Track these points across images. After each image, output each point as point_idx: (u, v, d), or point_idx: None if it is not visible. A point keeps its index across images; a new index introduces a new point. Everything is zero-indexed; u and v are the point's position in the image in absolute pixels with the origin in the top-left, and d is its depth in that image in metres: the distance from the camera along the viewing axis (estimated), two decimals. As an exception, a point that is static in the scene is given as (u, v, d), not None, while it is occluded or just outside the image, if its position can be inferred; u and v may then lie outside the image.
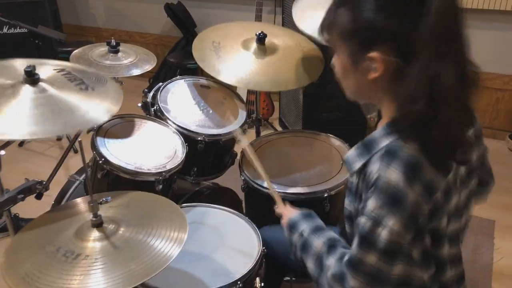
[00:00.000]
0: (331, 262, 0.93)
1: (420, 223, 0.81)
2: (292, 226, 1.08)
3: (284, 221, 1.12)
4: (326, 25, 0.89)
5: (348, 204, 0.95)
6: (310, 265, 0.98)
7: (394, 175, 0.78)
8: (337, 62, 0.92)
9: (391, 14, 0.80)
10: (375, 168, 0.81)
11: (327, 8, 0.90)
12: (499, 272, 1.94)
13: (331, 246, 0.97)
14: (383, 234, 0.80)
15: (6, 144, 1.21)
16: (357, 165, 0.87)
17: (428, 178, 0.80)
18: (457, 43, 0.80)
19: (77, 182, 1.69)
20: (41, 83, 1.09)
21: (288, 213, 1.14)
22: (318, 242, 0.99)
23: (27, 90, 1.07)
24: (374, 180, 0.81)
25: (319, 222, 1.08)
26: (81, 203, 1.10)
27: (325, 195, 1.42)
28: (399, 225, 0.79)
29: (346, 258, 0.88)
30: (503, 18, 2.79)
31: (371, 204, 0.80)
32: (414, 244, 0.82)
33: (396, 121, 0.84)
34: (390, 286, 0.83)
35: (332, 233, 1.02)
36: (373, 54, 0.82)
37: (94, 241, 0.92)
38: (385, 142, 0.84)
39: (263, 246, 1.23)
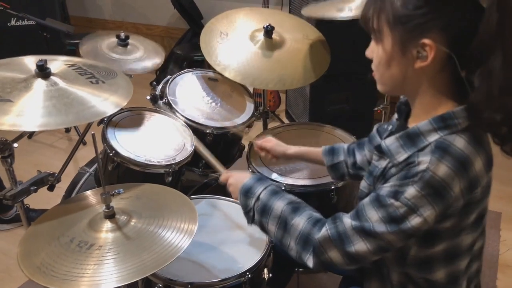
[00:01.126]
0: (299, 222, 0.92)
1: (448, 213, 0.82)
2: (247, 191, 1.03)
3: (236, 187, 1.09)
4: (373, 10, 0.86)
5: (366, 186, 0.94)
6: (272, 227, 0.97)
7: (443, 169, 0.78)
8: (379, 51, 0.88)
9: (445, 2, 0.79)
10: (425, 160, 0.80)
11: None
12: (505, 264, 1.95)
13: (295, 208, 0.96)
14: (414, 221, 0.80)
15: (19, 136, 1.23)
16: (402, 156, 0.85)
17: (475, 174, 0.80)
18: None
19: (87, 174, 1.72)
20: (52, 77, 1.11)
21: (237, 178, 1.10)
22: (279, 204, 0.97)
23: (39, 84, 1.09)
24: (422, 170, 0.79)
25: (274, 184, 1.05)
26: (93, 195, 1.12)
27: (332, 187, 1.43)
28: (433, 217, 0.80)
29: (356, 223, 0.86)
30: None
31: (411, 192, 0.79)
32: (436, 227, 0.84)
33: (448, 117, 0.83)
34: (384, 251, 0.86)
35: (289, 195, 1.01)
36: (426, 41, 0.80)
37: (106, 232, 0.94)
38: (434, 136, 0.82)
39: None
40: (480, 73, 0.78)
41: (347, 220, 0.88)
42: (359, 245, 0.85)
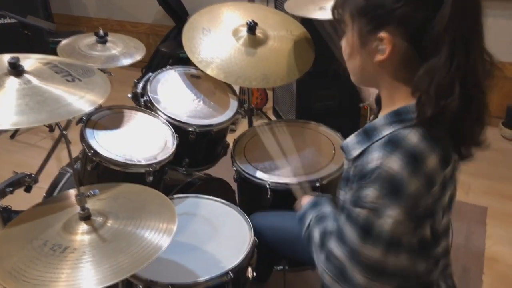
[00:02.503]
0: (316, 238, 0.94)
1: (420, 214, 0.80)
2: (301, 220, 1.06)
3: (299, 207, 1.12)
4: (339, 3, 0.88)
5: (341, 193, 0.92)
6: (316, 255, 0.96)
7: (396, 164, 0.77)
8: (346, 43, 0.90)
9: None
10: (375, 156, 0.79)
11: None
12: (491, 258, 1.96)
13: (322, 234, 0.96)
14: (386, 224, 0.78)
15: (-8, 137, 1.19)
16: (356, 151, 0.85)
17: (429, 170, 0.78)
18: (477, 32, 0.79)
19: (68, 174, 1.68)
20: (25, 75, 1.08)
21: (302, 204, 1.12)
22: (316, 233, 0.98)
23: (12, 82, 1.05)
24: (374, 168, 0.78)
25: (324, 208, 1.05)
26: (70, 196, 1.09)
27: (317, 184, 1.42)
28: (402, 215, 0.77)
29: (342, 251, 0.84)
30: (495, 5, 2.77)
31: (371, 193, 0.78)
32: (415, 233, 0.81)
33: (402, 111, 0.82)
34: (389, 277, 0.82)
35: (329, 222, 0.99)
36: (383, 34, 0.80)
37: (82, 234, 0.92)
38: (388, 130, 0.82)
39: (254, 235, 1.23)
40: (424, 67, 0.78)
41: (338, 253, 0.85)
42: (357, 278, 0.82)
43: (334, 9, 0.90)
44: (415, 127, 0.80)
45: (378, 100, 1.02)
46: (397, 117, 0.83)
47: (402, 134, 0.80)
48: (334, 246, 0.86)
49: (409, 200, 0.77)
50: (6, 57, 1.15)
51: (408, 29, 0.79)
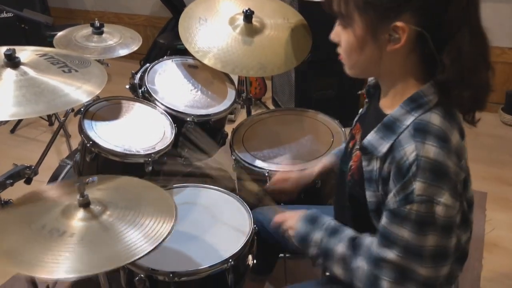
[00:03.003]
0: (362, 263, 0.89)
1: (460, 191, 0.81)
2: (304, 240, 1.00)
3: (291, 234, 1.05)
4: None
5: (371, 195, 0.89)
6: (338, 271, 0.94)
7: (431, 151, 0.77)
8: (349, 36, 0.86)
9: None
10: (409, 149, 0.79)
11: None
12: (491, 243, 1.97)
13: (355, 246, 0.92)
14: (439, 211, 0.77)
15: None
16: (384, 147, 0.84)
17: (456, 146, 0.80)
18: (480, 12, 0.81)
19: (68, 166, 1.69)
20: (22, 67, 1.09)
21: (292, 223, 1.06)
22: (339, 247, 0.93)
23: (8, 74, 1.06)
24: (413, 161, 0.78)
25: (328, 221, 1.00)
26: (68, 185, 1.09)
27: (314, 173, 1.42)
28: (450, 198, 0.78)
29: (389, 250, 0.82)
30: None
31: (419, 187, 0.77)
32: (459, 211, 0.81)
33: (417, 97, 0.82)
34: (450, 258, 0.82)
35: (348, 232, 0.96)
36: (399, 24, 0.78)
37: (80, 221, 0.92)
38: (410, 118, 0.82)
39: (254, 224, 1.24)
40: (450, 51, 0.78)
41: (390, 255, 0.82)
42: (420, 272, 0.80)
43: (333, 3, 0.85)
44: (432, 108, 0.81)
45: (368, 91, 1.02)
46: (414, 103, 0.82)
47: (425, 119, 0.80)
48: (382, 251, 0.83)
49: (452, 181, 0.78)
50: (2, 49, 1.15)
51: (426, 15, 0.78)
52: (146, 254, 0.86)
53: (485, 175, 2.39)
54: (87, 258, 0.83)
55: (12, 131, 2.95)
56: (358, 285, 0.90)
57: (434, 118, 0.80)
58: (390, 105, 0.88)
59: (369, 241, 0.90)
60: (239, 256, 1.15)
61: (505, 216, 2.12)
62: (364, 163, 0.89)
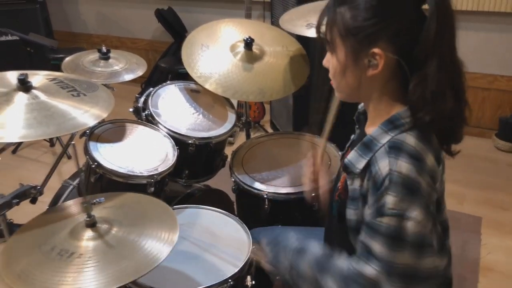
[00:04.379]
0: (332, 279, 0.90)
1: (432, 211, 0.83)
2: (276, 263, 1.05)
3: (267, 264, 1.10)
4: (326, 23, 0.91)
5: (352, 213, 0.93)
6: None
7: (404, 167, 0.81)
8: (333, 61, 0.93)
9: (394, 14, 0.84)
10: (383, 164, 0.83)
11: (325, 6, 0.92)
12: (486, 267, 1.99)
13: (322, 265, 0.94)
14: (409, 227, 0.79)
15: (1, 150, 1.24)
16: (362, 164, 0.89)
17: (430, 168, 0.84)
18: (454, 43, 0.86)
19: (71, 187, 1.72)
20: (33, 91, 1.13)
21: (260, 254, 1.13)
22: (304, 268, 0.97)
23: (20, 97, 1.11)
24: (386, 175, 0.82)
25: (290, 242, 1.04)
26: (75, 205, 1.13)
27: (314, 194, 1.46)
28: (422, 214, 0.80)
29: (368, 265, 0.84)
30: (488, 19, 2.86)
31: (389, 200, 0.80)
32: (433, 233, 0.83)
33: (394, 119, 0.88)
34: (423, 281, 0.83)
35: (313, 250, 0.99)
36: (376, 50, 0.85)
37: (87, 241, 0.95)
38: (385, 138, 0.87)
39: (253, 245, 1.26)
40: (417, 76, 0.84)
41: (368, 269, 0.84)
42: None
43: (319, 30, 0.94)
44: (409, 130, 0.86)
45: (358, 118, 1.08)
46: (391, 124, 0.88)
47: (400, 139, 0.85)
48: (361, 266, 0.85)
49: (424, 198, 0.81)
50: (13, 74, 1.21)
51: (399, 43, 0.85)
52: (150, 271, 0.89)
53: (480, 200, 2.42)
54: (94, 278, 0.86)
55: (14, 151, 2.98)
56: None
57: (409, 139, 0.85)
58: (372, 128, 0.93)
59: (342, 262, 0.92)
60: (239, 277, 1.17)
61: (500, 241, 2.14)
62: (348, 182, 0.94)
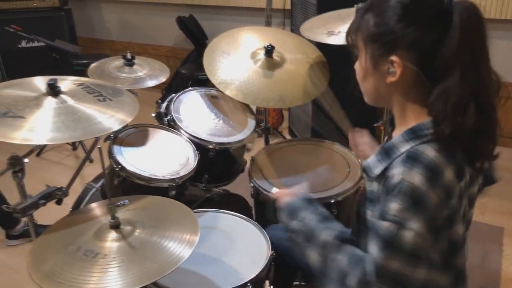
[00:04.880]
0: (342, 260, 0.91)
1: (439, 226, 0.83)
2: (292, 211, 1.04)
3: (282, 203, 1.09)
4: (353, 29, 0.95)
5: (371, 215, 0.94)
6: (314, 255, 0.96)
7: (416, 178, 0.81)
8: (359, 66, 0.97)
9: (414, 24, 0.85)
10: (397, 171, 0.83)
11: (356, 13, 0.96)
12: (508, 278, 1.95)
13: (341, 241, 0.94)
14: (407, 237, 0.80)
15: (30, 152, 1.28)
16: (379, 169, 0.90)
17: (447, 183, 0.82)
18: (484, 53, 0.85)
19: (94, 189, 1.76)
20: (62, 95, 1.17)
21: (285, 194, 1.11)
22: (325, 234, 0.96)
23: (49, 101, 1.15)
24: (397, 183, 0.82)
25: (322, 209, 1.05)
26: (99, 207, 1.16)
27: (332, 201, 1.46)
28: (423, 228, 0.80)
29: (368, 265, 0.85)
30: (508, 27, 2.82)
31: (394, 207, 0.81)
32: (435, 247, 0.83)
33: (417, 129, 0.88)
34: None
35: (337, 225, 1.00)
36: (393, 58, 0.87)
37: (111, 242, 0.98)
38: (405, 147, 0.87)
39: (272, 249, 1.27)
40: (438, 89, 0.84)
41: (367, 265, 0.85)
42: None
43: (348, 35, 0.98)
44: (431, 142, 0.85)
45: (392, 121, 1.08)
46: (413, 134, 0.88)
47: (420, 150, 0.85)
48: (362, 262, 0.87)
49: (429, 213, 0.81)
50: (41, 79, 1.25)
51: (418, 53, 0.86)
52: (169, 272, 0.91)
53: (502, 210, 2.38)
54: (118, 277, 0.89)
55: (38, 154, 3.06)
56: (328, 274, 0.92)
57: (429, 151, 0.84)
58: (398, 133, 0.93)
59: (355, 250, 0.93)
60: (257, 281, 1.18)
61: (522, 251, 2.10)
62: (367, 184, 0.96)
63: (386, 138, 1.15)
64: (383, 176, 0.89)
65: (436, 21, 0.84)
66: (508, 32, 2.83)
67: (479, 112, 0.83)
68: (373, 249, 0.85)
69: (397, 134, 0.94)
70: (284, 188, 1.50)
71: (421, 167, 0.82)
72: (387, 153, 0.90)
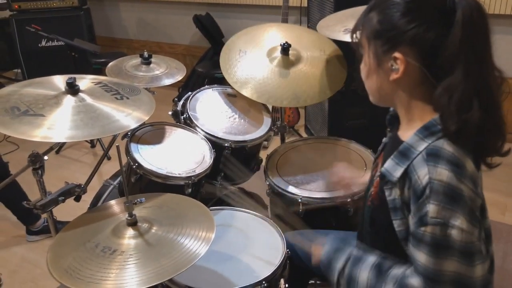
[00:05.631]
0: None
1: (478, 216, 0.82)
2: (328, 267, 1.03)
3: (316, 259, 1.09)
4: (357, 28, 0.96)
5: (399, 224, 0.90)
6: None
7: (444, 174, 0.80)
8: (363, 64, 0.97)
9: (417, 20, 0.84)
10: (422, 172, 0.82)
11: (362, 13, 0.95)
12: (529, 280, 1.91)
13: (379, 271, 0.93)
14: (454, 235, 0.78)
15: (49, 150, 1.31)
16: (399, 172, 0.88)
17: (471, 173, 0.82)
18: (487, 49, 0.84)
19: (111, 186, 1.78)
20: (80, 94, 1.19)
21: (318, 250, 1.11)
22: (363, 274, 0.94)
23: (68, 100, 1.17)
24: (426, 184, 0.81)
25: (351, 250, 1.02)
26: (117, 204, 1.18)
27: (349, 199, 1.45)
28: (466, 222, 0.78)
29: (416, 276, 0.82)
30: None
31: (432, 209, 0.79)
32: (480, 239, 0.82)
33: (430, 125, 0.87)
34: None
35: (371, 258, 0.97)
36: (396, 54, 0.87)
37: (129, 239, 1.00)
38: (422, 145, 0.86)
39: (287, 248, 1.27)
40: (442, 85, 0.83)
41: (413, 281, 0.83)
42: None
43: (352, 34, 0.98)
44: (445, 137, 0.85)
45: (390, 121, 1.07)
46: (427, 131, 0.87)
47: (438, 145, 0.84)
48: (408, 278, 0.85)
49: (467, 206, 0.79)
50: (60, 78, 1.27)
51: (421, 49, 0.85)
52: (187, 268, 0.92)
53: (519, 209, 2.33)
54: (135, 274, 0.90)
55: (57, 152, 3.12)
56: None
57: (447, 145, 0.83)
58: (406, 133, 0.93)
59: (399, 270, 0.91)
60: (272, 279, 1.18)
61: (542, 252, 2.05)
62: (386, 193, 0.92)
63: (384, 139, 1.13)
64: (405, 179, 0.87)
65: (439, 17, 0.84)
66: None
67: (483, 108, 0.82)
68: (421, 257, 0.82)
69: (405, 134, 0.93)
70: (302, 188, 1.50)
71: (445, 162, 0.81)
72: (404, 154, 0.88)
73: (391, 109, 1.09)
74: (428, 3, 0.85)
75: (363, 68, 0.97)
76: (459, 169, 0.81)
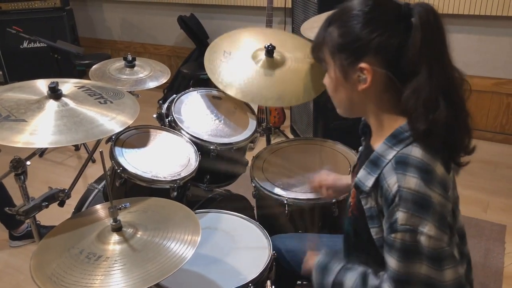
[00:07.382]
0: None
1: (449, 222, 0.83)
2: (323, 268, 1.05)
3: (310, 265, 1.10)
4: (318, 44, 0.96)
5: (376, 232, 0.92)
6: None
7: (413, 182, 0.81)
8: (328, 79, 0.97)
9: (378, 29, 0.86)
10: (392, 180, 0.84)
11: (319, 29, 0.96)
12: (510, 276, 1.95)
13: (364, 277, 0.95)
14: (423, 241, 0.80)
15: (32, 155, 1.29)
16: (370, 181, 0.89)
17: (441, 178, 0.84)
18: (446, 48, 0.87)
19: (96, 190, 1.77)
20: (63, 98, 1.18)
21: (312, 257, 1.12)
22: (350, 277, 0.97)
23: (51, 104, 1.15)
24: (395, 192, 0.82)
25: (337, 266, 1.03)
26: (101, 209, 1.17)
27: (334, 200, 1.47)
28: (435, 229, 0.80)
29: (387, 281, 0.85)
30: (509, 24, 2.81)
31: (401, 216, 0.81)
32: (451, 244, 0.83)
33: (397, 133, 0.88)
34: None
35: (359, 269, 0.99)
36: (362, 65, 0.88)
37: (114, 244, 0.99)
38: (391, 153, 0.87)
39: (273, 250, 1.28)
40: (408, 87, 0.86)
41: (385, 285, 0.86)
42: None
43: (313, 50, 0.98)
44: (413, 143, 0.86)
45: (362, 130, 1.09)
46: (395, 139, 0.89)
47: (406, 153, 0.86)
48: (383, 285, 0.87)
49: (436, 212, 0.81)
50: (43, 82, 1.26)
51: (385, 56, 0.87)
52: (172, 274, 0.91)
53: (504, 207, 2.38)
54: (120, 280, 0.90)
55: (41, 155, 3.07)
56: None
57: (415, 151, 0.85)
58: (377, 141, 0.94)
59: (373, 281, 0.93)
60: (259, 281, 1.19)
61: (524, 249, 2.10)
62: (363, 202, 0.94)
63: (360, 148, 1.15)
64: (377, 187, 0.89)
65: (397, 24, 0.86)
66: (497, 29, 2.82)
67: (450, 105, 0.85)
68: (392, 262, 0.84)
69: (376, 143, 0.95)
70: (288, 189, 1.51)
71: (413, 170, 0.83)
72: (374, 163, 0.90)
73: (363, 118, 1.11)
74: (384, 11, 0.88)
75: (329, 83, 0.98)
76: (427, 175, 0.82)
